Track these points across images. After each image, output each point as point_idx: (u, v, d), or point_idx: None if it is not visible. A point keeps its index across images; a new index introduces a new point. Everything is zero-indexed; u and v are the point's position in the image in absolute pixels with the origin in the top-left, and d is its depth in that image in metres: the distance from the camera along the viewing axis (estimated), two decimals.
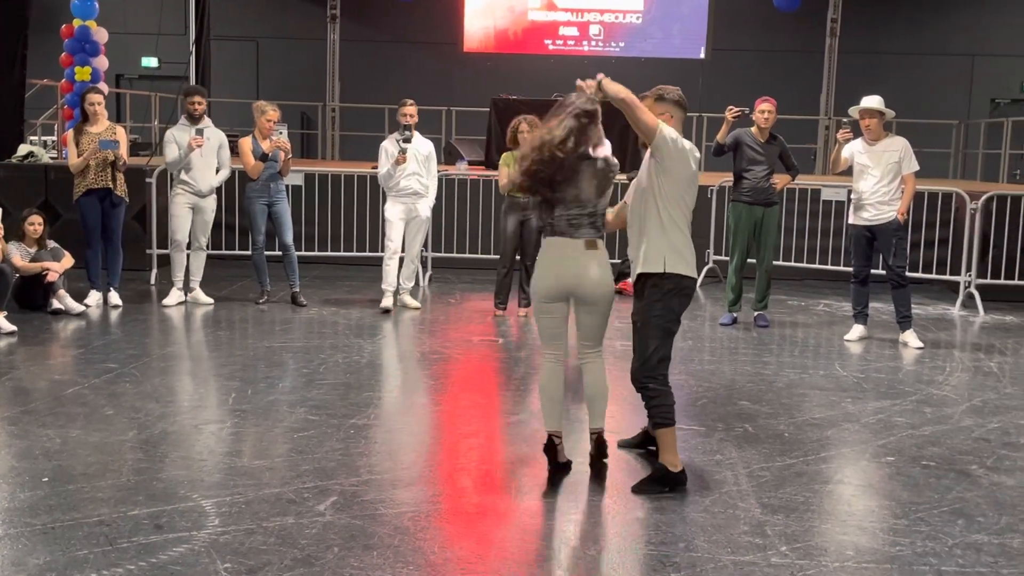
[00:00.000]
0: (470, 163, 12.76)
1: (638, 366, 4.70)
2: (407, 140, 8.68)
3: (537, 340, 7.82)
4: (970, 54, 19.23)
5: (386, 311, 8.76)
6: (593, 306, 4.71)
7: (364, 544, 3.89)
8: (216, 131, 9.11)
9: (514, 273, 8.79)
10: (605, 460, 4.85)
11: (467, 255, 11.40)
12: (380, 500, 4.36)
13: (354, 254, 11.39)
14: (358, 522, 4.11)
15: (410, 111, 8.76)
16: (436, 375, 6.85)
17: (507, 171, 8.48)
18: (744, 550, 3.94)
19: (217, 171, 8.96)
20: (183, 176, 8.82)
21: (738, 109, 8.36)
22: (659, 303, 4.64)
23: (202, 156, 8.76)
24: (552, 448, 4.78)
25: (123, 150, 8.56)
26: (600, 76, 4.52)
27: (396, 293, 8.99)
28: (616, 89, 4.47)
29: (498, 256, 8.91)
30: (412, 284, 9.23)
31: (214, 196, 9.01)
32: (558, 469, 4.77)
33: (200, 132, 8.72)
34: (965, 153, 17.74)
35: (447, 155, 13.82)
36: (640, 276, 4.70)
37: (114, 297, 8.81)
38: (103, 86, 12.14)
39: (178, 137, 8.77)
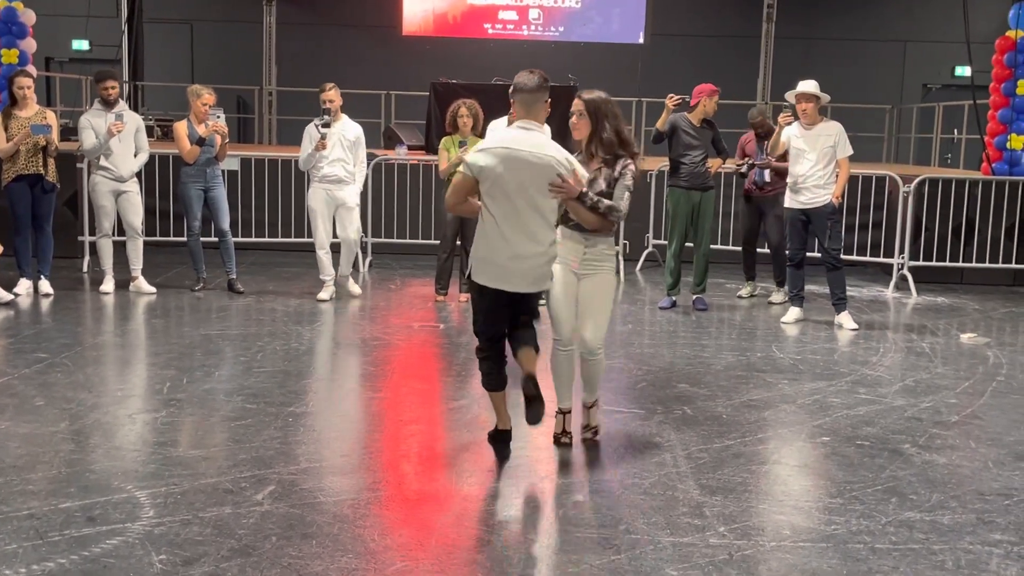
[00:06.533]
0: (410, 148, 12.66)
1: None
2: (326, 125, 8.48)
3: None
4: (902, 40, 19.55)
5: (323, 301, 8.62)
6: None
7: (303, 533, 3.85)
8: (133, 115, 8.95)
9: (454, 258, 8.75)
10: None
11: (407, 240, 11.33)
12: (319, 488, 4.33)
13: (292, 240, 11.26)
14: (296, 511, 4.06)
15: (329, 95, 8.47)
16: (376, 362, 6.81)
17: (447, 155, 8.43)
18: (683, 531, 3.97)
19: (136, 155, 8.79)
20: (102, 162, 8.62)
21: (678, 97, 8.39)
22: None
23: (120, 141, 8.59)
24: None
25: (54, 135, 8.36)
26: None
27: (335, 281, 8.87)
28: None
29: (438, 241, 8.86)
30: (351, 270, 9.12)
31: (135, 180, 8.83)
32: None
33: (119, 117, 8.54)
34: (898, 137, 18.07)
35: (386, 140, 13.70)
36: None
37: (45, 285, 8.61)
38: (31, 69, 11.82)
39: (94, 123, 8.57)
